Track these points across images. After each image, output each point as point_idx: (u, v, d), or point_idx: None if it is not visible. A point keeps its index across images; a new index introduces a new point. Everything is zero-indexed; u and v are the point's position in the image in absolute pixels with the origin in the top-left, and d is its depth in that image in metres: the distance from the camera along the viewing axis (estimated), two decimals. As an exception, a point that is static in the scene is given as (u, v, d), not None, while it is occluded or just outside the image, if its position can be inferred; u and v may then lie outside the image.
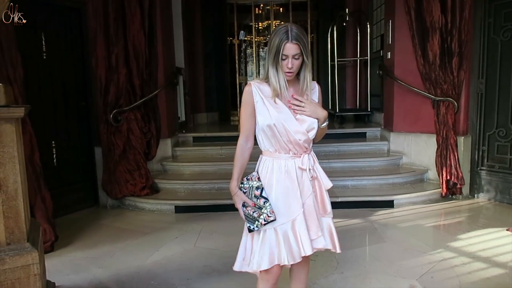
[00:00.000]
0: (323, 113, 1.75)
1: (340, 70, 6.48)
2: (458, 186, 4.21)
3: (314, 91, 1.80)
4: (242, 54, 10.98)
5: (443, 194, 4.21)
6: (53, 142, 4.04)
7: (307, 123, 1.72)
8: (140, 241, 3.41)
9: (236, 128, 6.49)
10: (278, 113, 1.69)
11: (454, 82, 4.18)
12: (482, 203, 4.18)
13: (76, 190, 4.31)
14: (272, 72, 1.67)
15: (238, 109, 7.62)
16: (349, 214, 3.86)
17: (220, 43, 7.52)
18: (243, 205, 1.76)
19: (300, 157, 1.74)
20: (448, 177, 4.18)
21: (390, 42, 4.85)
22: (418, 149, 4.65)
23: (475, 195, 4.32)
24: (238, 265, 1.84)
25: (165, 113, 4.89)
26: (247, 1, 7.95)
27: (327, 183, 1.82)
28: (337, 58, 6.12)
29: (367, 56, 5.99)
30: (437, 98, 4.27)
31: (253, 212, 1.72)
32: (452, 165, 4.18)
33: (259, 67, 10.76)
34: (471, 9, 4.06)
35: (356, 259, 2.95)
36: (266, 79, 1.71)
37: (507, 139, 4.00)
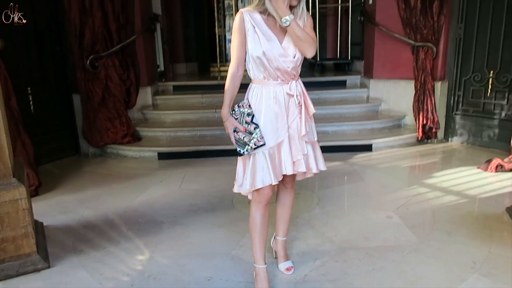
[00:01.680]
0: (284, 8, 1.66)
1: (321, 18, 6.39)
2: (434, 130, 4.37)
3: (308, 17, 1.81)
4: (220, 5, 10.62)
5: (419, 138, 4.37)
6: (28, 88, 3.91)
7: (292, 49, 1.74)
8: (125, 185, 3.45)
9: (216, 77, 6.41)
10: (268, 41, 1.71)
11: (434, 27, 4.22)
12: (456, 146, 4.37)
13: (56, 138, 4.24)
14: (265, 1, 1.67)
15: (218, 61, 7.51)
16: (329, 157, 3.92)
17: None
18: (234, 131, 1.81)
19: (288, 83, 1.78)
20: (425, 122, 4.32)
21: (372, -13, 4.79)
22: (397, 95, 4.75)
23: (449, 139, 4.51)
24: (236, 188, 1.91)
25: (144, 61, 4.77)
26: None
27: (311, 109, 1.86)
28: (318, 5, 6.01)
29: (349, 3, 5.91)
30: (417, 44, 4.31)
31: (243, 137, 1.78)
32: (429, 109, 4.31)
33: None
34: (454, -49, 4.02)
35: (337, 195, 3.09)
36: (258, 7, 1.72)
37: (482, 83, 4.12)
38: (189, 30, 7.17)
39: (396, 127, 4.66)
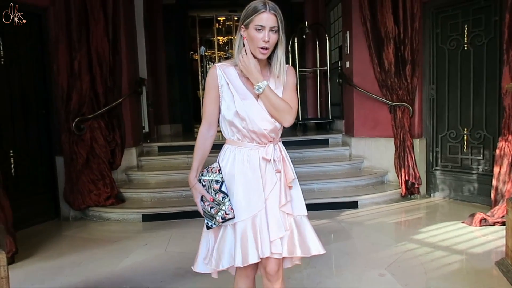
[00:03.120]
0: (256, 74, 1.53)
1: (301, 80, 6.70)
2: (416, 186, 4.46)
3: (288, 73, 1.63)
4: (203, 69, 11.05)
5: (403, 194, 4.44)
6: (11, 151, 3.85)
7: None
8: (108, 250, 3.31)
9: (201, 138, 6.47)
10: (242, 100, 1.55)
11: (408, 88, 4.48)
12: (438, 201, 4.44)
13: (36, 201, 4.11)
14: (240, 50, 1.56)
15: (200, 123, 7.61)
16: (316, 215, 3.95)
17: (182, 56, 7.53)
18: (201, 200, 1.60)
19: (265, 146, 1.59)
20: (407, 178, 4.42)
21: (348, 52, 5.11)
22: (378, 152, 4.89)
23: (431, 194, 4.59)
24: (199, 266, 1.65)
25: (130, 122, 4.82)
26: (208, 15, 8.07)
27: (289, 176, 1.62)
28: (298, 69, 6.33)
29: (327, 67, 6.25)
30: (394, 104, 4.54)
31: (210, 208, 1.56)
32: (410, 166, 4.43)
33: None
34: (420, 20, 4.39)
35: (327, 254, 3.02)
36: (232, 61, 1.61)
37: (458, 140, 4.31)
38: (174, 93, 7.36)
39: (379, 183, 4.74)
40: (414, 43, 4.39)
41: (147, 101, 6.00)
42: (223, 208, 1.54)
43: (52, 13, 4.05)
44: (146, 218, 4.06)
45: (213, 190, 1.56)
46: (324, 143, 5.53)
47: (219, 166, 1.60)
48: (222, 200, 1.54)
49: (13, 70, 3.91)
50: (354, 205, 4.25)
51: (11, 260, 3.01)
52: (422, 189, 4.58)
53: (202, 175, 1.61)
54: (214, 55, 10.04)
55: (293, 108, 1.59)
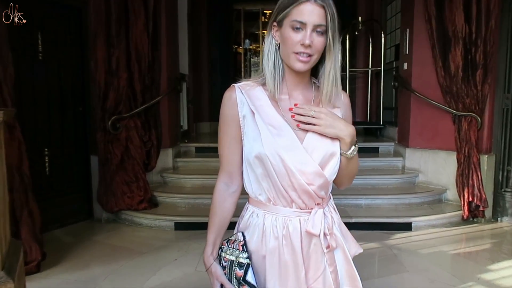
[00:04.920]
0: (349, 129, 1.07)
1: (351, 80, 6.21)
2: (481, 208, 3.90)
3: (346, 103, 1.16)
4: (247, 63, 10.77)
5: (465, 217, 3.90)
6: (46, 149, 3.75)
7: (322, 151, 1.05)
8: (136, 263, 3.09)
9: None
10: (275, 137, 1.05)
11: (478, 96, 3.90)
12: (507, 227, 3.87)
13: (69, 201, 4.00)
14: (270, 60, 1.07)
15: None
16: (364, 237, 3.53)
17: (226, 50, 7.29)
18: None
19: (311, 212, 1.08)
20: (470, 199, 3.87)
21: (407, 52, 4.58)
22: (436, 167, 4.35)
23: (498, 219, 4.01)
24: None
25: (167, 121, 4.61)
26: (254, 8, 7.74)
27: (355, 249, 1.19)
28: (348, 68, 5.85)
29: (380, 67, 5.72)
30: (459, 113, 3.98)
31: None
32: (475, 185, 3.87)
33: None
34: (497, 18, 3.79)
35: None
36: (258, 79, 1.12)
37: (536, 159, 3.71)
38: (216, 89, 7.12)
39: (436, 202, 4.22)
40: (488, 44, 3.80)
41: (187, 97, 5.79)
42: None
43: (92, 5, 3.86)
44: (179, 226, 3.83)
45: (235, 278, 1.09)
46: (374, 151, 5.05)
47: (244, 238, 1.10)
48: None
49: (51, 66, 3.78)
50: (407, 226, 3.77)
51: (36, 270, 2.88)
52: (488, 212, 4.00)
53: (222, 250, 1.15)
54: (259, 49, 9.72)
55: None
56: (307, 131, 1.06)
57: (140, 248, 3.38)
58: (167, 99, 4.62)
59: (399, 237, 3.59)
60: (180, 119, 5.38)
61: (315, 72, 1.12)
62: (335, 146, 1.07)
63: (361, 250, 1.21)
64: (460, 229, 3.80)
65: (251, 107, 1.08)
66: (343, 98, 1.15)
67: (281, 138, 1.04)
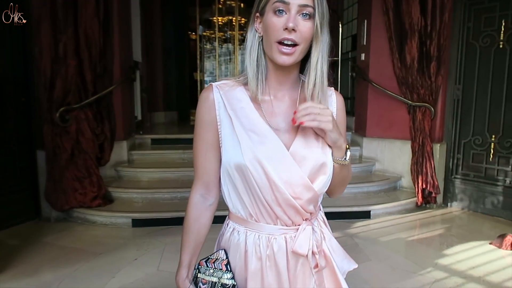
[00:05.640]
0: (341, 135, 0.96)
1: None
2: (434, 195, 4.09)
3: (331, 100, 1.02)
4: (201, 50, 10.50)
5: (419, 203, 4.07)
6: (-16, 144, 3.40)
7: (311, 161, 0.93)
8: (93, 265, 2.90)
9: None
10: (258, 145, 0.92)
11: (432, 87, 4.04)
12: (457, 212, 4.08)
13: (14, 201, 3.66)
14: (252, 56, 0.95)
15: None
16: (326, 226, 3.58)
17: (180, 36, 7.02)
18: None
19: (298, 229, 0.96)
20: (424, 186, 4.04)
21: (364, 43, 4.64)
22: (392, 155, 4.49)
23: (449, 204, 4.23)
24: None
25: (121, 112, 4.35)
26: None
27: (347, 265, 1.09)
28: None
29: (337, 57, 5.77)
30: (414, 103, 4.11)
31: None
32: (428, 173, 4.04)
33: (220, 65, 10.29)
34: (451, 12, 3.93)
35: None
36: (240, 78, 0.99)
37: (483, 147, 3.92)
38: (170, 77, 6.87)
39: (392, 189, 4.36)
40: (442, 37, 3.93)
41: (141, 86, 5.53)
42: None
43: (35, -13, 3.51)
44: (137, 223, 3.65)
45: None
46: (332, 141, 5.11)
47: (227, 257, 0.98)
48: None
49: (-12, 52, 3.41)
50: (366, 215, 3.87)
51: (-23, 279, 2.60)
52: (439, 198, 4.21)
53: (199, 271, 1.00)
54: (213, 35, 9.47)
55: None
56: (294, 137, 0.94)
57: (95, 249, 3.17)
58: (120, 89, 4.36)
59: (359, 225, 3.67)
60: (134, 109, 5.12)
61: (304, 70, 1.00)
62: (326, 155, 0.95)
63: (356, 266, 1.12)
64: (414, 215, 3.95)
65: (228, 111, 0.95)
66: (337, 101, 1.03)
67: (263, 146, 0.91)
